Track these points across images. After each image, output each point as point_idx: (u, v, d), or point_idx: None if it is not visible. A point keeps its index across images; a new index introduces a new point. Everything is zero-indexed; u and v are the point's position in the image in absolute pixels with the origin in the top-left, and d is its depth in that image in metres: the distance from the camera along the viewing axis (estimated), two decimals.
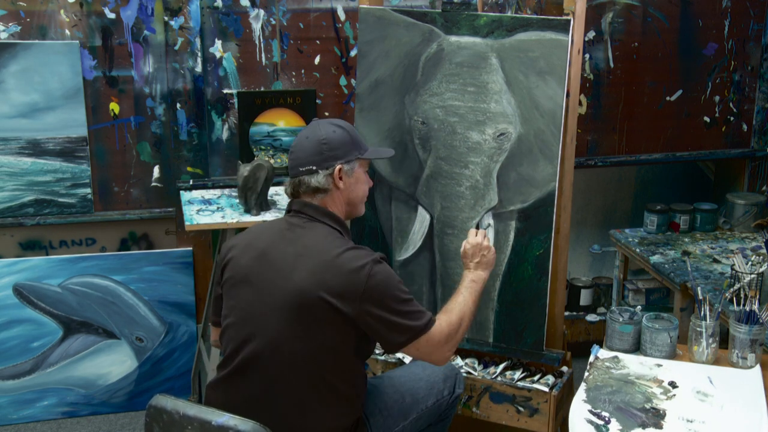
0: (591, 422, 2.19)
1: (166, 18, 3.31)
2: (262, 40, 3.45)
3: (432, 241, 2.88)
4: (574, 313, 3.86)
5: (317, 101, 3.55)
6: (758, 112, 3.96)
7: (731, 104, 3.95)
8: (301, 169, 2.23)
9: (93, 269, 3.40)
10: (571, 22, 2.60)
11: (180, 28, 3.33)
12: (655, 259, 3.29)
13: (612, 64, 3.77)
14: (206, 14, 3.37)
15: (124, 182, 3.45)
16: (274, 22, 3.45)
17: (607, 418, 2.20)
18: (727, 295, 2.60)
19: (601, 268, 4.08)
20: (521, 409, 2.70)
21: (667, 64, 3.82)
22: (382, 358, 2.90)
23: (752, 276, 2.58)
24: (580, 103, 3.72)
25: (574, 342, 3.71)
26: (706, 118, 3.95)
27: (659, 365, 2.47)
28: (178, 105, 3.39)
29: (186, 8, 3.31)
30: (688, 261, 3.12)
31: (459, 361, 2.88)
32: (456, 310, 2.32)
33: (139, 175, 3.46)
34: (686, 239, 3.51)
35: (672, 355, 2.53)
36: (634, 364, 2.48)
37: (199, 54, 3.36)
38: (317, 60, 3.52)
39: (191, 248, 3.49)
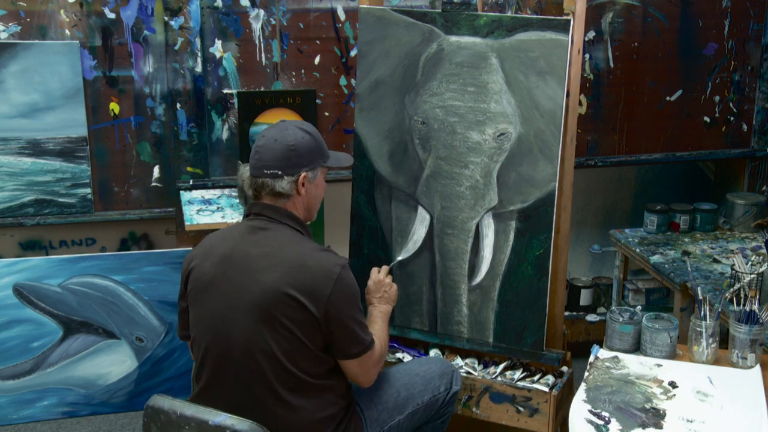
0: (591, 422, 2.19)
1: (166, 18, 3.31)
2: (262, 40, 3.45)
3: (432, 241, 2.88)
4: (574, 313, 3.86)
5: (317, 101, 3.55)
6: (758, 112, 3.96)
7: (731, 104, 3.95)
8: (266, 171, 2.23)
9: (93, 269, 3.40)
10: (571, 22, 2.60)
11: (180, 28, 3.33)
12: (655, 259, 3.29)
13: (612, 64, 3.77)
14: (206, 14, 3.37)
15: (124, 182, 3.45)
16: (274, 22, 3.45)
17: (607, 418, 2.20)
18: (727, 295, 2.60)
19: (601, 268, 4.08)
20: (521, 409, 2.70)
21: (667, 64, 3.82)
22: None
23: (752, 276, 2.58)
24: (580, 103, 3.72)
25: (574, 342, 3.71)
26: (706, 118, 3.94)
27: (659, 365, 2.47)
28: (178, 105, 3.39)
29: (186, 8, 3.31)
30: (688, 261, 3.12)
31: (459, 361, 2.88)
32: (379, 335, 2.36)
33: (139, 175, 3.46)
34: (686, 239, 3.51)
35: (672, 355, 2.53)
36: (634, 364, 2.48)
37: (199, 54, 3.36)
38: (317, 60, 3.52)
39: (191, 248, 3.48)
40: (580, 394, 2.31)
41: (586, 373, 2.43)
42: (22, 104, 3.27)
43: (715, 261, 3.25)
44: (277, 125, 2.29)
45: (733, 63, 3.90)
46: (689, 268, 2.97)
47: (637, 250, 3.40)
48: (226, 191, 3.42)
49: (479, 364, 2.87)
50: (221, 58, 3.42)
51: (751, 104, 3.97)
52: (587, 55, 3.72)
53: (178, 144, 3.44)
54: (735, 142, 4.00)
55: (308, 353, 2.14)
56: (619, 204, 4.07)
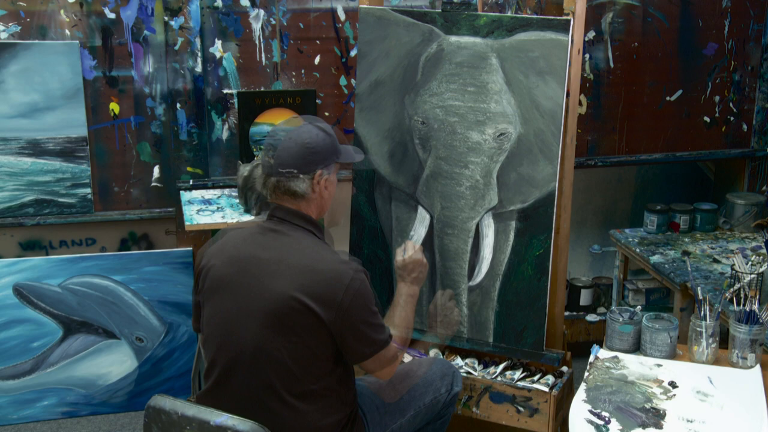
0: (591, 422, 2.19)
1: (166, 18, 3.31)
2: (262, 40, 3.45)
3: (432, 241, 2.88)
4: (574, 313, 3.85)
5: (317, 101, 3.55)
6: (758, 112, 3.96)
7: (731, 104, 3.95)
8: (282, 170, 2.19)
9: (93, 269, 3.40)
10: (571, 22, 2.60)
11: (180, 28, 3.33)
12: (655, 259, 3.29)
13: (612, 64, 3.77)
14: (206, 14, 3.37)
15: (124, 182, 3.45)
16: (274, 22, 3.45)
17: (607, 418, 2.20)
18: (727, 295, 2.60)
19: (601, 268, 4.08)
20: (521, 409, 2.70)
21: (667, 64, 3.82)
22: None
23: (752, 276, 2.58)
24: (580, 103, 3.72)
25: (574, 342, 3.71)
26: (706, 118, 3.94)
27: (659, 365, 2.47)
28: (178, 105, 3.39)
29: (186, 8, 3.31)
30: (688, 261, 3.12)
31: (459, 361, 2.88)
32: (402, 326, 2.34)
33: (139, 175, 3.46)
34: (686, 239, 3.51)
35: (672, 355, 2.53)
36: (634, 364, 2.48)
37: (199, 54, 3.36)
38: (317, 60, 3.52)
39: (191, 248, 3.49)
40: (580, 394, 2.31)
41: (586, 373, 2.43)
42: (22, 104, 3.27)
43: (715, 261, 3.25)
44: (290, 121, 2.27)
45: (733, 63, 3.90)
46: (689, 268, 2.97)
47: (637, 250, 3.40)
48: (226, 191, 3.42)
49: (479, 364, 2.87)
50: (221, 58, 3.42)
51: (751, 104, 3.97)
52: (587, 55, 3.72)
53: (178, 144, 3.44)
54: (735, 142, 4.00)
55: (317, 359, 2.13)
56: (619, 204, 4.06)
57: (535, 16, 3.15)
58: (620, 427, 2.17)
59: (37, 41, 3.23)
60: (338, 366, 2.19)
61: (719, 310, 2.54)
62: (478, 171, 2.76)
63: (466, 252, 2.83)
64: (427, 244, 2.89)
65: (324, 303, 2.08)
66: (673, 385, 2.36)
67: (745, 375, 2.42)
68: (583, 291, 3.87)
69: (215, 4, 3.37)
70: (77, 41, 3.27)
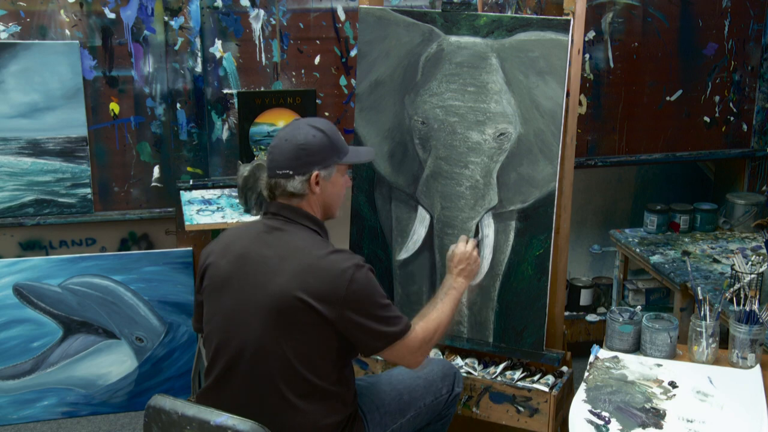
0: (591, 422, 2.19)
1: (166, 18, 3.31)
2: (262, 40, 3.45)
3: (432, 241, 2.88)
4: (574, 313, 3.86)
5: (317, 101, 3.55)
6: (758, 112, 3.96)
7: (731, 104, 3.95)
8: (278, 171, 2.19)
9: (93, 269, 3.40)
10: (571, 22, 2.60)
11: (180, 28, 3.33)
12: (655, 259, 3.29)
13: (612, 64, 3.77)
14: (206, 14, 3.37)
15: (124, 182, 3.45)
16: (274, 22, 3.45)
17: (607, 418, 2.20)
18: (727, 295, 2.60)
19: (601, 268, 4.08)
20: (521, 409, 2.70)
21: (667, 64, 3.82)
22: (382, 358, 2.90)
23: (752, 276, 2.58)
24: (580, 103, 3.72)
25: (574, 342, 3.71)
26: (706, 118, 3.94)
27: (659, 365, 2.47)
28: (178, 105, 3.39)
29: (186, 8, 3.31)
30: (688, 261, 3.13)
31: (459, 361, 2.88)
32: (433, 317, 2.32)
33: (139, 175, 3.46)
34: (686, 239, 3.51)
35: (672, 355, 2.53)
36: (634, 364, 2.48)
37: (199, 54, 3.36)
38: (317, 60, 3.52)
39: (191, 248, 3.49)
40: (580, 394, 2.31)
41: (586, 373, 2.43)
42: (22, 104, 3.27)
43: (715, 261, 3.25)
44: (290, 124, 2.26)
45: (733, 63, 3.90)
46: (689, 268, 2.97)
47: (637, 250, 3.40)
48: (226, 191, 3.42)
49: (479, 364, 2.87)
50: (221, 58, 3.42)
51: (751, 104, 3.97)
52: (587, 55, 3.72)
53: (178, 144, 3.44)
54: (735, 142, 4.00)
55: (321, 357, 2.13)
56: (619, 204, 4.06)
57: (535, 16, 3.15)
58: (620, 427, 2.17)
59: (37, 41, 3.23)
60: (341, 365, 2.19)
61: (719, 310, 2.54)
62: (478, 171, 2.76)
63: None
64: (427, 244, 2.89)
65: (326, 300, 2.08)
66: (673, 385, 2.36)
67: (745, 375, 2.42)
68: (583, 291, 3.87)
69: (215, 4, 3.37)
70: (77, 41, 3.27)
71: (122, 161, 3.43)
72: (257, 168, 3.08)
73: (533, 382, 2.75)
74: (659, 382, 2.38)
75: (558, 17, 2.62)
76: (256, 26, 3.43)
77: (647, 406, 2.26)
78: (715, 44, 3.85)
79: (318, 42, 3.51)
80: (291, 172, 2.18)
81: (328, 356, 2.14)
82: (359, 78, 2.94)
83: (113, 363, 3.47)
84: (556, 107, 2.64)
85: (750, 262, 2.65)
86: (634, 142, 3.89)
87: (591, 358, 2.53)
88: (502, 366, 2.84)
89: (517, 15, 3.50)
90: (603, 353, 2.56)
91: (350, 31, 3.51)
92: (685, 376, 2.41)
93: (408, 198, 2.90)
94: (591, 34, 3.69)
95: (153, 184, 3.48)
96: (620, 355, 2.54)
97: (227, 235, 2.29)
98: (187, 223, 3.06)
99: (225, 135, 3.49)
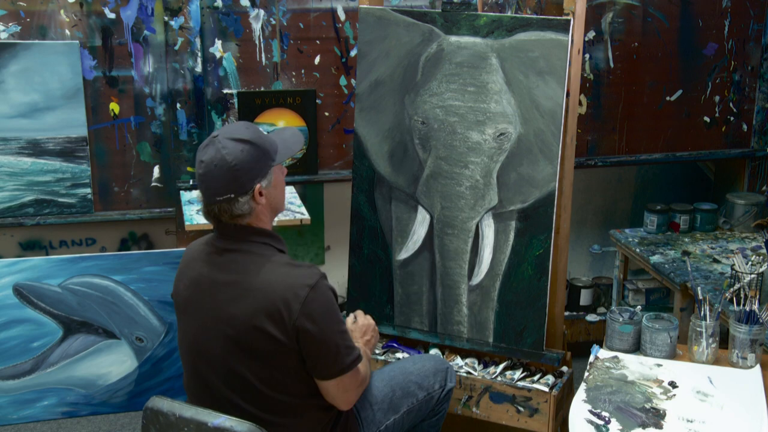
0: (591, 422, 2.19)
1: (166, 18, 3.31)
2: (262, 40, 3.45)
3: (432, 241, 2.88)
4: (574, 313, 3.86)
5: (317, 101, 3.55)
6: (758, 112, 3.96)
7: (731, 104, 3.95)
8: (218, 198, 2.06)
9: (93, 269, 3.40)
10: (571, 22, 2.60)
11: (180, 28, 3.33)
12: (655, 259, 3.29)
13: (612, 64, 3.77)
14: (206, 14, 3.37)
15: (124, 182, 3.45)
16: (274, 22, 3.45)
17: (607, 418, 2.20)
18: (727, 295, 2.60)
19: (601, 268, 4.08)
20: (521, 409, 2.70)
21: (667, 64, 3.82)
22: (382, 358, 2.90)
23: (752, 276, 2.58)
24: (580, 103, 3.72)
25: (574, 342, 3.71)
26: (706, 118, 3.94)
27: (659, 365, 2.47)
28: (178, 105, 3.39)
29: (186, 8, 3.31)
30: (688, 261, 3.12)
31: (459, 361, 2.88)
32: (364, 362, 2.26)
33: (139, 175, 3.46)
34: (686, 239, 3.51)
35: (672, 355, 2.53)
36: (634, 364, 2.48)
37: (199, 54, 3.36)
38: (317, 60, 3.52)
39: None
40: (580, 394, 2.31)
41: (586, 373, 2.43)
42: (22, 104, 3.27)
43: (715, 261, 3.25)
44: (210, 144, 2.07)
45: (733, 63, 3.90)
46: (689, 268, 2.97)
47: (637, 250, 3.40)
48: None
49: (479, 364, 2.87)
50: (221, 58, 3.42)
51: (751, 104, 3.97)
52: (587, 55, 3.72)
53: (178, 144, 3.44)
54: (735, 142, 4.00)
55: (286, 378, 2.09)
56: (619, 204, 4.06)
57: (535, 16, 3.15)
58: (620, 427, 2.17)
59: (37, 41, 3.23)
60: (310, 377, 2.13)
61: (719, 310, 2.54)
62: (478, 171, 2.76)
63: (466, 252, 2.83)
64: (427, 244, 2.89)
65: (281, 325, 2.03)
66: (673, 385, 2.36)
67: (745, 375, 2.42)
68: (583, 291, 3.87)
69: (215, 4, 3.37)
70: (77, 41, 3.27)
71: (122, 161, 3.43)
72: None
73: (533, 382, 2.75)
74: (659, 382, 2.38)
75: (558, 17, 2.62)
76: (256, 26, 3.43)
77: (647, 406, 2.26)
78: (715, 44, 3.85)
79: (318, 42, 3.51)
80: (232, 195, 2.06)
81: (294, 375, 2.10)
82: (359, 78, 2.94)
83: (113, 363, 3.47)
84: (556, 107, 2.64)
85: (750, 262, 2.65)
86: (634, 142, 3.89)
87: (591, 358, 2.53)
88: (502, 366, 2.84)
89: (517, 15, 3.50)
90: (603, 353, 2.56)
91: (350, 31, 3.51)
92: (685, 376, 2.41)
93: (408, 198, 2.90)
94: (591, 34, 3.69)
95: (153, 184, 3.48)
96: (620, 355, 2.54)
97: (186, 254, 2.24)
98: (187, 223, 3.06)
99: None
